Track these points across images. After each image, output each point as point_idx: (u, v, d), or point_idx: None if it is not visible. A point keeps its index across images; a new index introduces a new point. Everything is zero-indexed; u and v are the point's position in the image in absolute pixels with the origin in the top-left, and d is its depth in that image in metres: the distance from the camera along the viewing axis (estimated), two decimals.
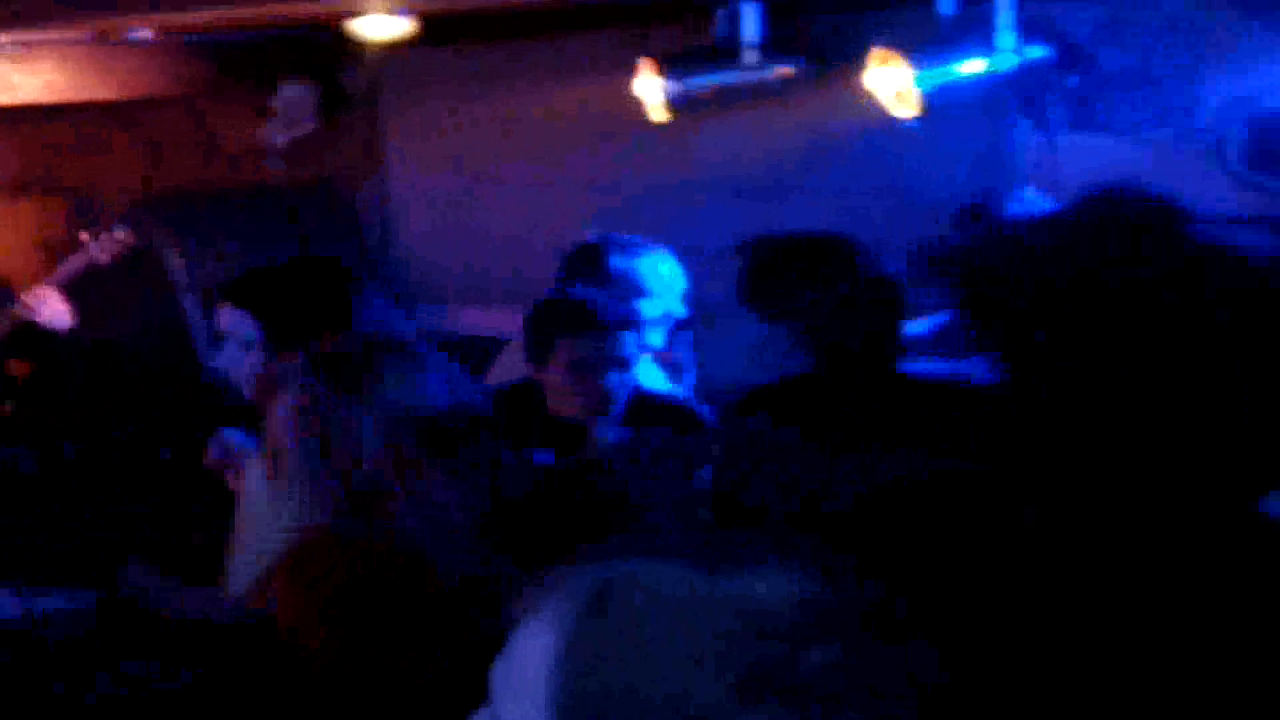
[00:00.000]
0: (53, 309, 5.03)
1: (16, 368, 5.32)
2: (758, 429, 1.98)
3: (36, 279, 5.41)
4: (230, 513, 2.56)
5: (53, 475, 3.89)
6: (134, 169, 6.50)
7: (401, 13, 5.07)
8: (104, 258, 5.21)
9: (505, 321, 4.49)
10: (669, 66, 4.85)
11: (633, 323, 3.54)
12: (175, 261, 5.90)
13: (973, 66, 4.25)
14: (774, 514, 1.81)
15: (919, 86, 4.21)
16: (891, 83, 4.30)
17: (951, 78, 4.24)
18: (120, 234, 5.24)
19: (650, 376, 3.80)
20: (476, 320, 5.56)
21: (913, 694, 1.08)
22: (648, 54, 4.91)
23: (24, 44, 5.38)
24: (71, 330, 5.10)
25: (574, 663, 1.21)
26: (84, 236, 5.26)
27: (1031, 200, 4.11)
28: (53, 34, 5.35)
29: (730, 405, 2.21)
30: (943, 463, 1.57)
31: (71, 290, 5.13)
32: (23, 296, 5.04)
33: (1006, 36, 4.23)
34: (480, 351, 4.18)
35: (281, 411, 2.14)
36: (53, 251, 6.26)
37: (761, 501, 1.84)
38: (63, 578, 1.92)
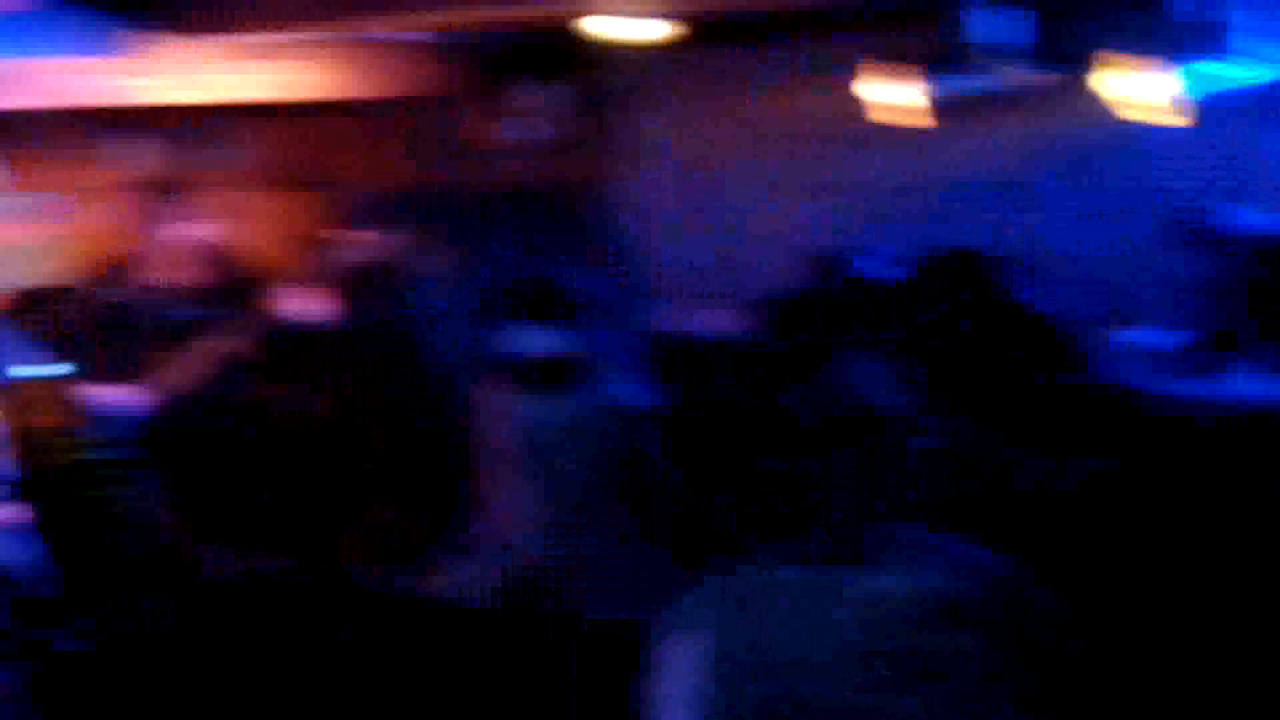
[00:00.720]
0: (299, 305, 5.21)
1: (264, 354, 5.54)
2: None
3: (291, 273, 5.63)
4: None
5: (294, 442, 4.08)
6: (389, 167, 6.72)
7: (651, 15, 5.13)
8: (357, 255, 5.37)
9: (738, 322, 4.52)
10: (928, 70, 4.81)
11: None
12: (413, 257, 6.07)
13: (1224, 72, 4.12)
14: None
15: (1171, 92, 4.09)
16: (1141, 88, 4.20)
17: (1204, 83, 4.11)
18: (374, 233, 5.38)
19: None
20: (712, 320, 5.60)
21: (1051, 676, 1.06)
22: (892, 57, 4.88)
23: (294, 43, 5.61)
24: (320, 323, 5.27)
25: (725, 670, 1.22)
26: (340, 235, 5.43)
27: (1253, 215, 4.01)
28: (318, 34, 5.58)
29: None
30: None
31: (323, 285, 5.31)
32: (276, 290, 5.23)
33: (1255, 42, 4.10)
34: (713, 351, 4.22)
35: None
36: (307, 246, 6.53)
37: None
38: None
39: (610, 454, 2.40)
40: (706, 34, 5.49)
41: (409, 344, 6.06)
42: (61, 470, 5.84)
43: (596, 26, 5.15)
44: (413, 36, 5.92)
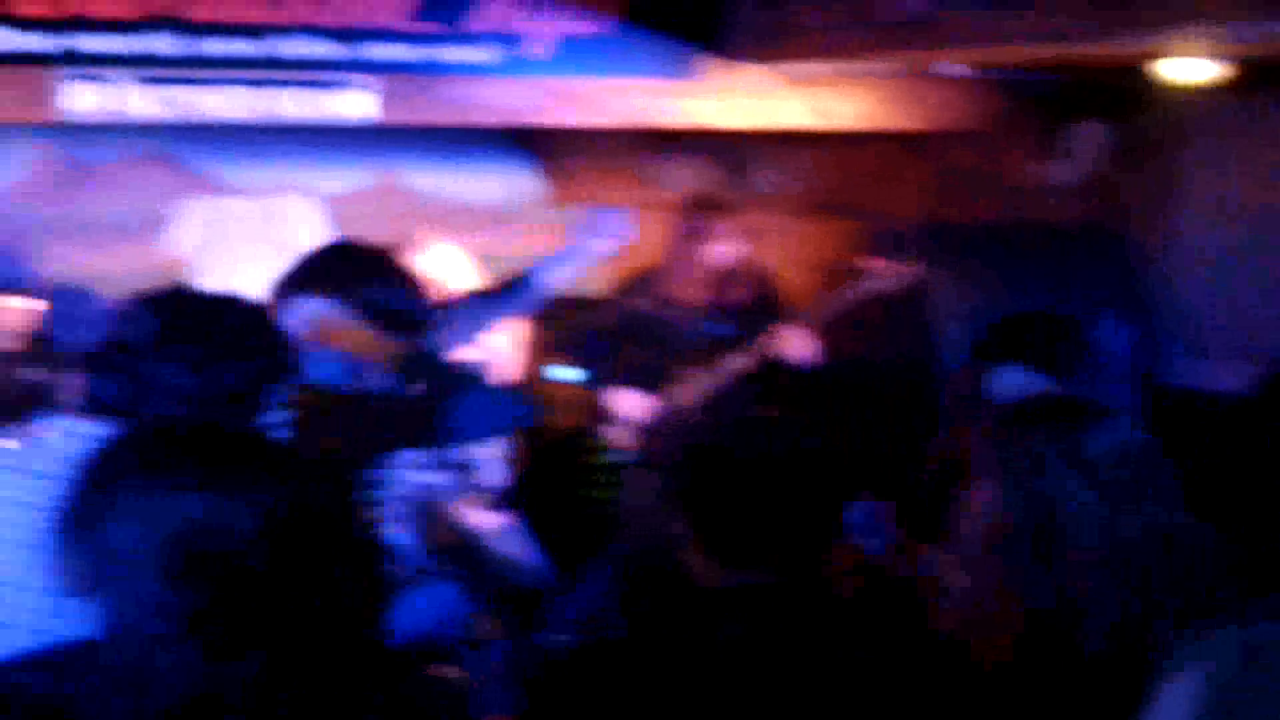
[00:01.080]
0: (801, 348, 5.27)
1: (781, 377, 5.63)
2: None
3: (817, 298, 5.71)
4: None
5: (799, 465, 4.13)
6: (922, 199, 6.72)
7: (1214, 58, 4.90)
8: (887, 287, 5.38)
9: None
10: None
11: None
12: (941, 291, 6.01)
13: None
14: None
15: None
16: None
17: None
18: (907, 266, 5.38)
19: None
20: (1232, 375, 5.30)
21: None
22: None
23: (842, 73, 5.70)
24: (814, 367, 5.32)
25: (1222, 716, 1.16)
26: (871, 265, 5.45)
27: None
28: (871, 66, 5.64)
29: None
30: None
31: (843, 315, 5.35)
32: (779, 333, 5.30)
33: None
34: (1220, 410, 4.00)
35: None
36: (836, 274, 6.61)
37: None
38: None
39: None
40: (1258, 77, 5.19)
41: (924, 378, 6.04)
42: (573, 471, 6.18)
43: (1166, 69, 4.96)
44: (957, 71, 5.89)
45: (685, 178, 6.81)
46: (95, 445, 1.64)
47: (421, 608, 2.76)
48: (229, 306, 2.36)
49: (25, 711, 1.49)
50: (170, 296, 2.35)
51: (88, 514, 1.55)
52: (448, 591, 2.77)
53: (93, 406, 2.26)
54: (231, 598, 1.52)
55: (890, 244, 6.14)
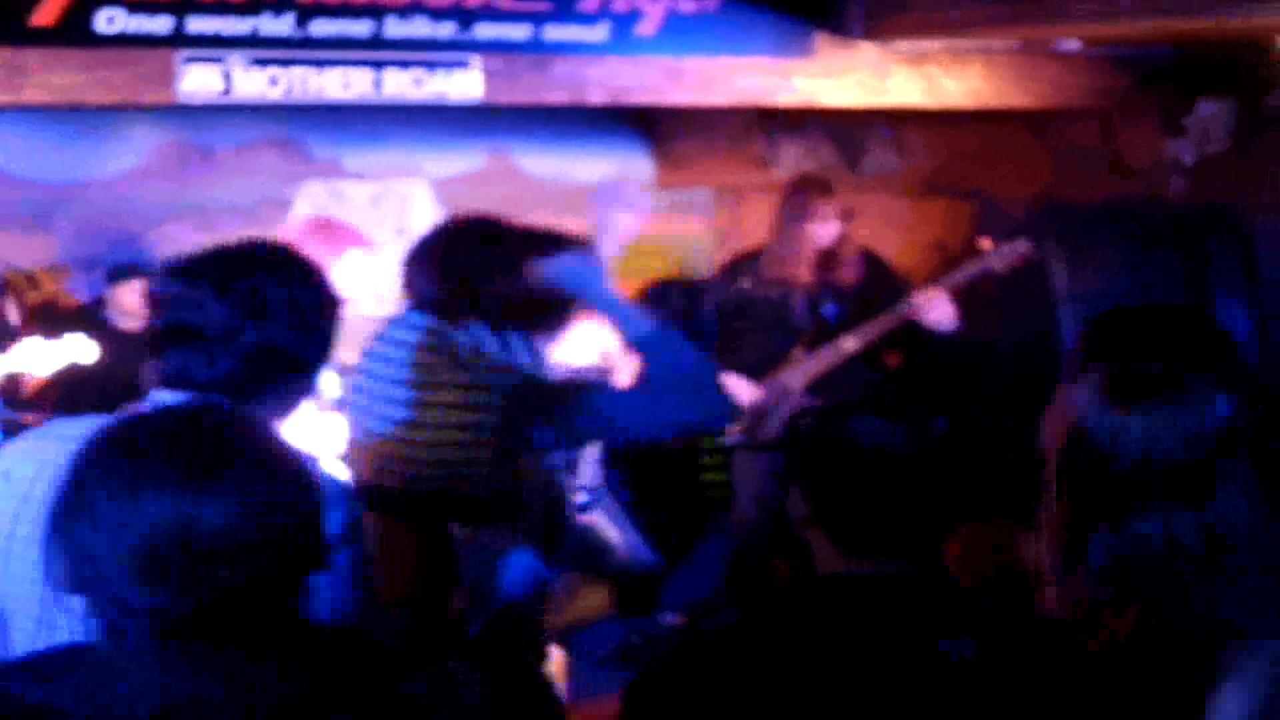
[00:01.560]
0: (941, 311, 5.19)
1: (891, 358, 5.57)
2: None
3: (931, 277, 5.63)
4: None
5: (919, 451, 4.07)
6: (1038, 178, 6.62)
7: None
8: (1000, 267, 5.29)
9: None
10: None
11: None
12: (1060, 271, 5.91)
13: None
14: None
15: None
16: None
17: None
18: (1021, 246, 5.28)
19: None
20: None
21: None
22: None
23: (956, 50, 5.62)
24: (953, 332, 5.24)
25: None
26: (986, 244, 5.37)
27: None
28: (985, 42, 5.55)
29: None
30: None
31: (962, 292, 5.28)
32: (915, 295, 5.25)
33: None
34: None
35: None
36: (950, 253, 6.53)
37: None
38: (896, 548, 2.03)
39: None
40: None
41: (1043, 358, 5.94)
42: (682, 454, 6.18)
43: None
44: (1073, 47, 5.79)
45: (796, 158, 6.76)
46: (81, 440, 1.59)
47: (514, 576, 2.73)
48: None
49: (14, 714, 1.49)
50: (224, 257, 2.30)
51: (67, 512, 1.53)
52: (528, 559, 2.73)
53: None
54: (207, 600, 1.49)
55: (1005, 224, 6.05)
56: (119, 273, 5.69)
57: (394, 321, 2.98)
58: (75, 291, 5.98)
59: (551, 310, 2.93)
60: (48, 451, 2.13)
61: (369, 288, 4.42)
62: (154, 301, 2.23)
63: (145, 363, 2.22)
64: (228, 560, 1.48)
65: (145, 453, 1.52)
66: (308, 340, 2.24)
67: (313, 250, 4.38)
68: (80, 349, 4.76)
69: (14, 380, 4.85)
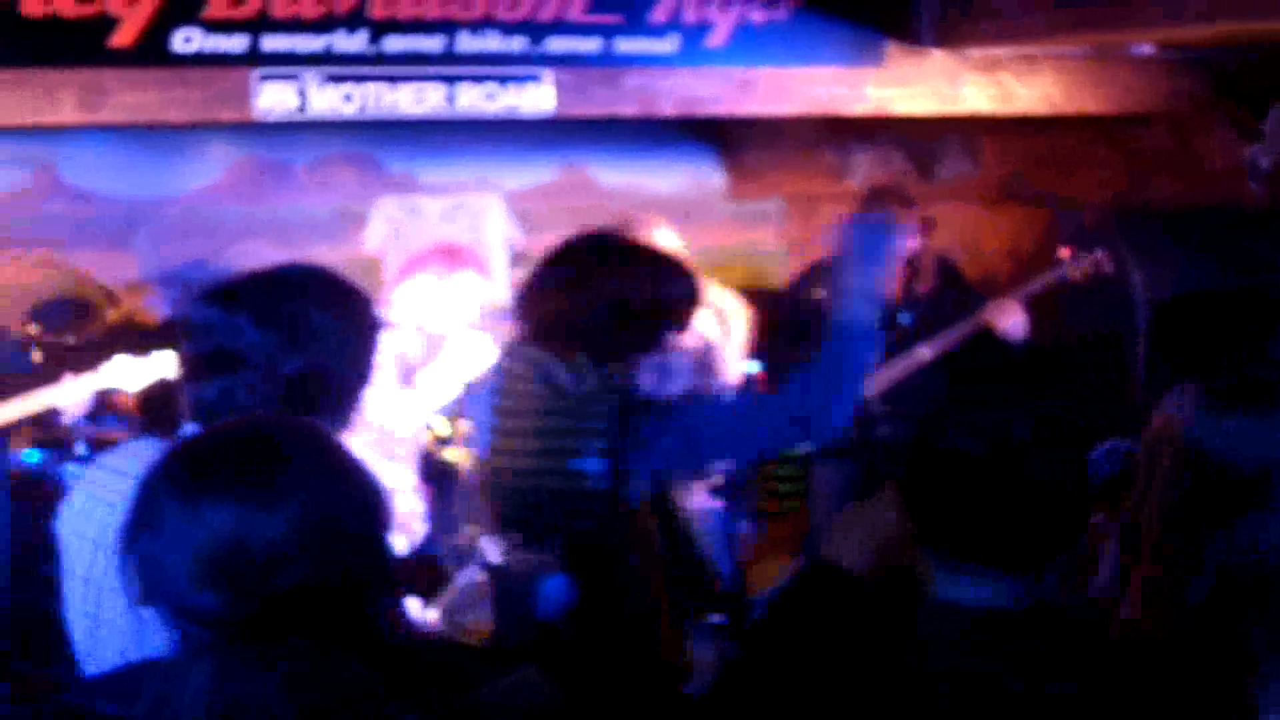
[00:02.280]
0: (1014, 320, 5.16)
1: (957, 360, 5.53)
2: None
3: (1005, 285, 5.59)
4: None
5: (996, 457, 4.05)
6: (1112, 183, 6.55)
7: None
8: (1077, 276, 5.25)
9: None
10: None
11: None
12: (1136, 277, 5.86)
13: None
14: None
15: None
16: None
17: None
18: (1098, 256, 5.24)
19: None
20: None
21: None
22: None
23: (1027, 57, 5.58)
24: (1025, 339, 5.20)
25: None
26: (1063, 253, 5.32)
27: None
28: (1057, 48, 5.51)
29: None
30: None
31: (1041, 301, 5.23)
32: (991, 305, 5.21)
33: None
34: None
35: None
36: (1024, 260, 6.48)
37: None
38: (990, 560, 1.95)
39: None
40: None
41: (1121, 365, 5.89)
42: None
43: None
44: (1146, 51, 5.73)
45: (869, 166, 6.74)
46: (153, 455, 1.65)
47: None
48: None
49: None
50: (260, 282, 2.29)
51: (136, 525, 1.58)
52: (562, 583, 2.71)
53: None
54: (266, 605, 1.53)
55: (1080, 231, 5.99)
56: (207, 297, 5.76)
57: (505, 352, 3.01)
58: (154, 308, 6.06)
59: (658, 329, 2.93)
60: (130, 469, 2.14)
61: (470, 310, 4.46)
62: (190, 328, 2.23)
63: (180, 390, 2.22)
64: (283, 568, 1.53)
65: (206, 466, 1.58)
66: (349, 364, 2.25)
67: (429, 268, 4.48)
68: (169, 365, 4.84)
69: (103, 397, 4.93)
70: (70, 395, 4.67)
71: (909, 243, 5.29)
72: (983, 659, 1.83)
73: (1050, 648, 1.86)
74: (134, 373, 4.81)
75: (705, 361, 4.41)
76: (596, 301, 2.85)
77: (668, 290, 2.92)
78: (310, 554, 1.54)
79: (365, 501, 1.64)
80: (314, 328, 2.18)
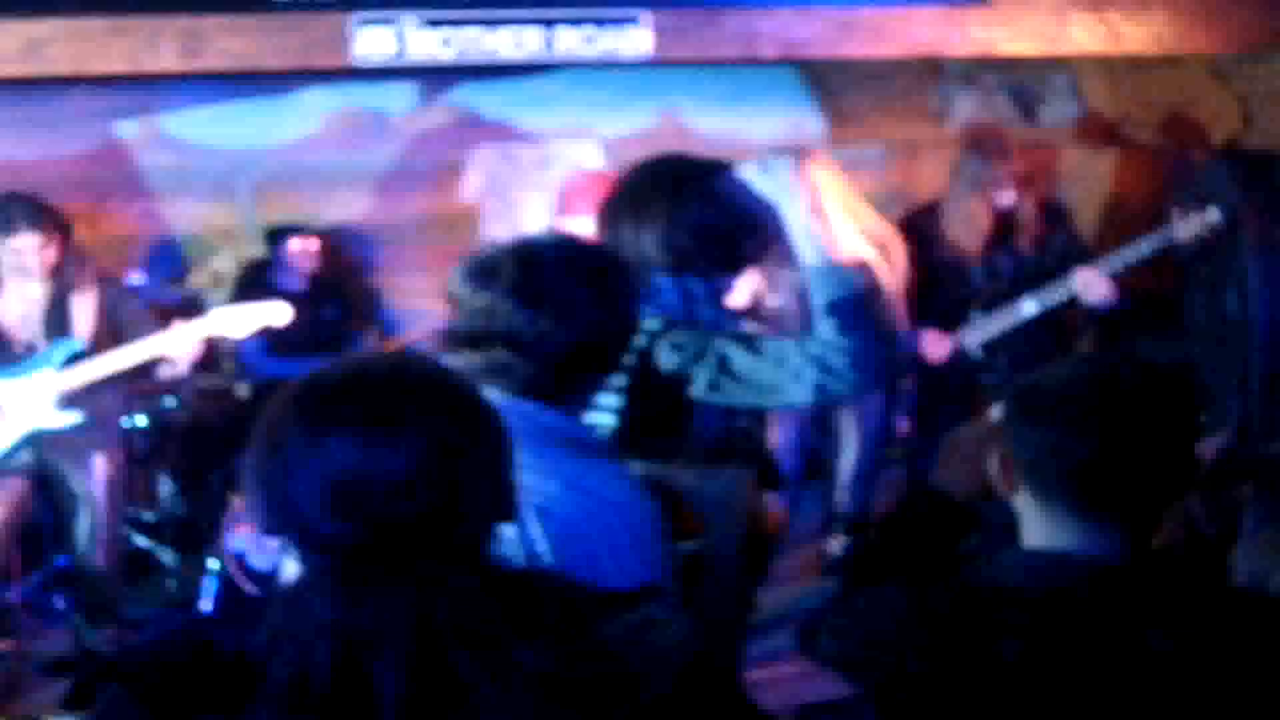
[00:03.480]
0: (1100, 293, 5.01)
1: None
2: None
3: (1112, 235, 5.45)
4: None
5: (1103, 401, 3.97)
6: (1224, 125, 6.39)
7: None
8: (1186, 237, 5.03)
9: None
10: None
11: None
12: (1249, 222, 5.69)
13: None
14: None
15: None
16: None
17: None
18: (1211, 216, 5.00)
19: None
20: None
21: None
22: None
23: None
24: (1116, 306, 5.06)
25: None
26: (1175, 211, 5.11)
27: None
28: None
29: None
30: None
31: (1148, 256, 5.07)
32: (1080, 274, 5.04)
33: None
34: None
35: None
36: (1132, 207, 6.34)
37: None
38: None
39: None
40: None
41: (1230, 326, 5.73)
42: None
43: None
44: None
45: (970, 110, 6.62)
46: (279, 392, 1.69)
47: None
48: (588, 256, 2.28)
49: (215, 665, 1.55)
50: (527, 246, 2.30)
51: (264, 457, 1.62)
52: None
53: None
54: (388, 533, 1.56)
55: (1190, 180, 5.83)
56: (279, 234, 5.81)
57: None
58: (254, 257, 6.11)
59: (739, 244, 2.87)
60: None
61: None
62: (453, 303, 2.23)
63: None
64: (404, 499, 1.56)
65: (332, 400, 1.62)
66: (613, 334, 2.26)
67: (582, 206, 4.42)
68: (275, 313, 4.86)
69: (210, 345, 4.97)
70: (179, 343, 4.70)
71: (1006, 198, 5.16)
72: (1086, 614, 1.78)
73: (1156, 602, 1.80)
74: (240, 320, 4.85)
75: (872, 286, 4.28)
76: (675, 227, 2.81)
77: (743, 214, 2.87)
78: (431, 486, 1.57)
79: (487, 438, 1.66)
80: (579, 305, 2.18)
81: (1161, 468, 1.85)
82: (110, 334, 4.80)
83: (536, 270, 2.20)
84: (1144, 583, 1.83)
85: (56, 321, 4.78)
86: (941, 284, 5.26)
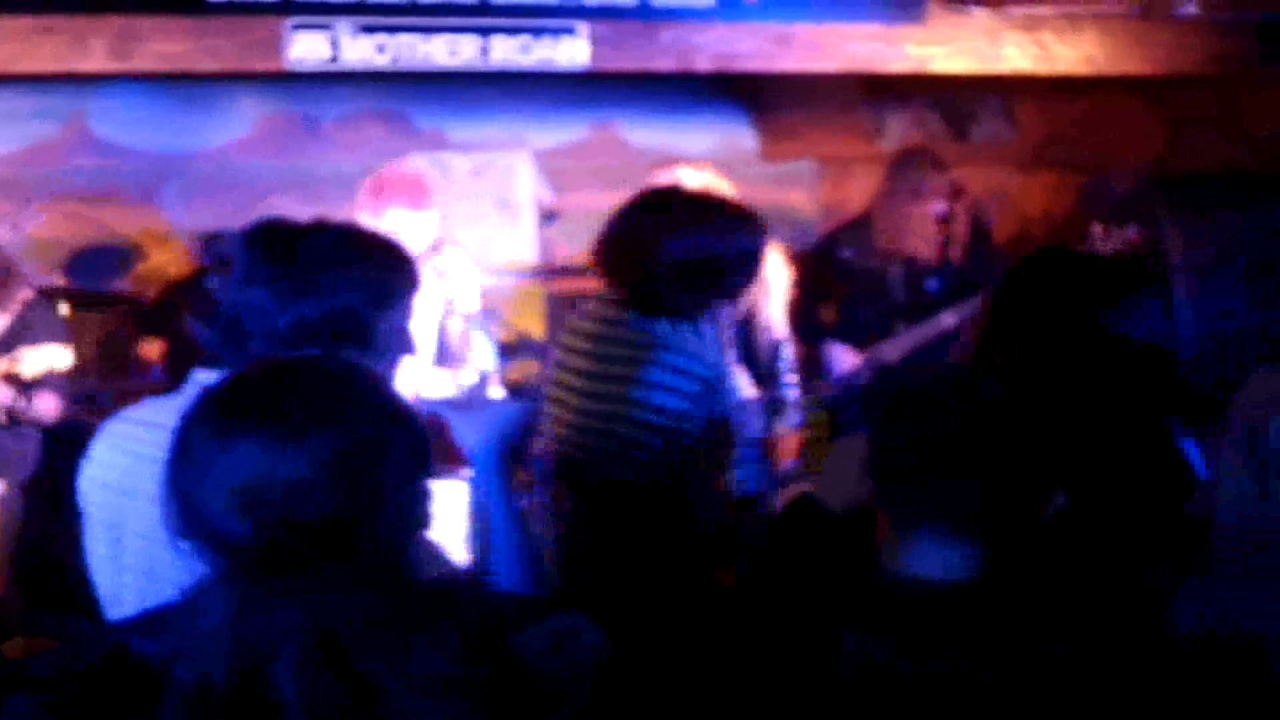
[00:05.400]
0: None
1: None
2: None
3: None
4: None
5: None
6: (1152, 148, 6.46)
7: None
8: (1107, 252, 5.11)
9: None
10: None
11: None
12: (1174, 243, 5.76)
13: None
14: None
15: None
16: None
17: None
18: (1130, 233, 5.07)
19: None
20: None
21: None
22: None
23: (1070, 15, 5.49)
24: None
25: None
26: (1096, 229, 5.18)
27: None
28: (1100, 6, 5.42)
29: None
30: None
31: None
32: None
33: None
34: None
35: None
36: (1058, 227, 6.39)
37: None
38: None
39: None
40: None
41: (1158, 345, 5.79)
42: None
43: None
44: (1190, 11, 5.63)
45: (903, 129, 6.66)
46: (192, 395, 1.70)
47: None
48: (321, 234, 2.31)
49: (129, 672, 1.54)
50: (261, 228, 2.31)
51: (176, 461, 1.63)
52: None
53: (205, 354, 2.28)
54: (293, 536, 1.56)
55: (1115, 200, 5.90)
56: (212, 242, 5.73)
57: (594, 311, 3.04)
58: (181, 262, 6.03)
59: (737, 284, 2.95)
60: (153, 418, 2.20)
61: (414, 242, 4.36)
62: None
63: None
64: (306, 500, 1.56)
65: (237, 403, 1.63)
66: (373, 306, 2.26)
67: (396, 200, 4.41)
68: (56, 357, 4.66)
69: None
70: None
71: (938, 207, 5.22)
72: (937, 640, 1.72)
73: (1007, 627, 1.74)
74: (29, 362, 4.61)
75: (750, 317, 4.34)
76: (669, 258, 2.88)
77: (740, 243, 2.95)
78: (334, 488, 1.58)
79: (397, 438, 1.65)
80: (317, 271, 2.21)
81: (1011, 483, 1.80)
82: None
83: (274, 243, 2.26)
84: (989, 605, 1.76)
85: None
86: (866, 297, 5.30)
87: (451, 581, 1.90)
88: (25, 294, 4.69)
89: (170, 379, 5.55)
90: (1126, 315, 2.44)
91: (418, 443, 1.67)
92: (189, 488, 1.60)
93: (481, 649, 1.57)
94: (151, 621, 1.63)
